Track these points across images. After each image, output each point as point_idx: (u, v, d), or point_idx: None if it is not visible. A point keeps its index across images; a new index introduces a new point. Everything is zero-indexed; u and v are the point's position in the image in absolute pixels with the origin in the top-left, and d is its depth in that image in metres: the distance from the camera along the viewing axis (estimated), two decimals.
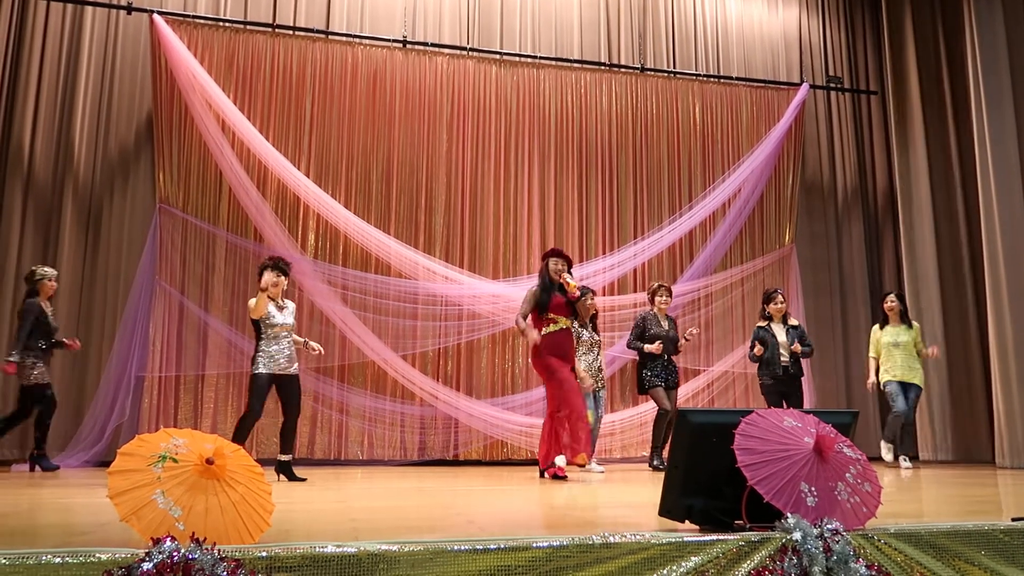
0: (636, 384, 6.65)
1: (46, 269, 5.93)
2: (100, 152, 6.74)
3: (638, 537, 2.21)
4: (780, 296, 6.59)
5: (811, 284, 8.19)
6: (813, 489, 2.40)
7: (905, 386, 6.61)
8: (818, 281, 8.26)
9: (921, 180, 7.86)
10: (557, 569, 2.10)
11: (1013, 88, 7.10)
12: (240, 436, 5.01)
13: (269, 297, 5.13)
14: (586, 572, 2.12)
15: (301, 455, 6.53)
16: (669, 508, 2.64)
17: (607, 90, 7.94)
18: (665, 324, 6.53)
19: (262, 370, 5.07)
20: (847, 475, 2.51)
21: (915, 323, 6.86)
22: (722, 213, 7.96)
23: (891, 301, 6.84)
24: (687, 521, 2.59)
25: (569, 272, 5.41)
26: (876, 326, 6.92)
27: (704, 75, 8.24)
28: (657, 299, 6.56)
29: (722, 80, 8.28)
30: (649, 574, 2.16)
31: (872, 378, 6.79)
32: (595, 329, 6.25)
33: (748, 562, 2.23)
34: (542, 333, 5.26)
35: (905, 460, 6.47)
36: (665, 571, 2.18)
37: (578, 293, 5.35)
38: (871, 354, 6.85)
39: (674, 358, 6.57)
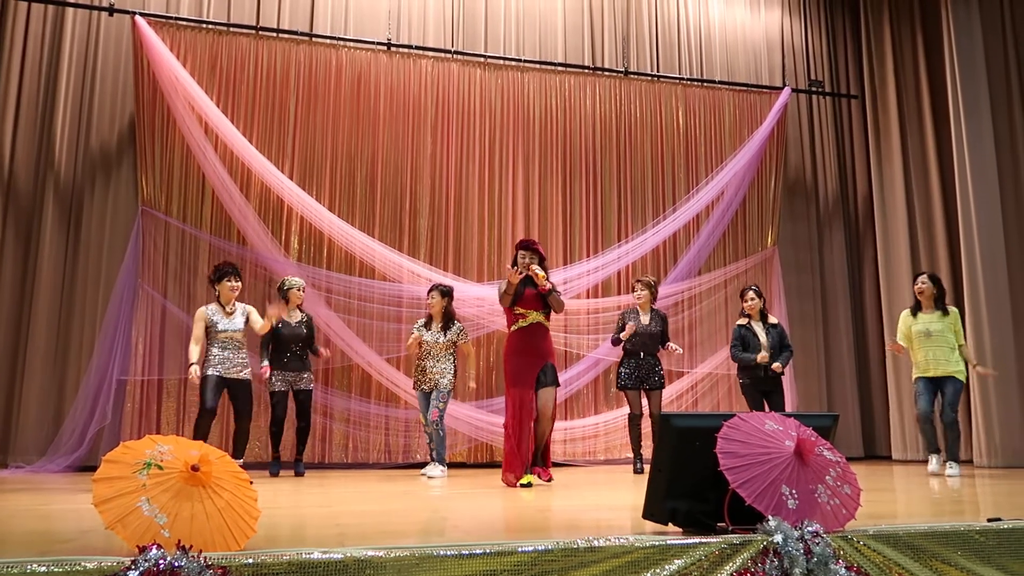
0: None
1: (294, 280, 6.15)
2: (81, 154, 6.68)
3: (622, 540, 2.24)
4: (751, 293, 6.35)
5: (793, 286, 8.26)
6: (794, 492, 2.44)
7: (937, 382, 5.86)
8: (800, 283, 8.33)
9: (896, 186, 7.96)
10: (542, 573, 2.12)
11: (990, 95, 7.21)
12: (198, 436, 5.26)
13: (220, 303, 5.57)
14: None
15: (285, 458, 6.49)
16: (653, 511, 2.67)
17: (591, 93, 7.97)
18: (646, 319, 6.27)
19: (210, 372, 5.40)
20: (827, 478, 2.55)
21: (953, 308, 6.05)
22: (705, 216, 8.01)
23: (921, 283, 6.02)
24: (670, 524, 2.62)
25: (540, 265, 5.16)
26: (907, 311, 6.14)
27: (687, 79, 8.30)
28: (633, 294, 6.41)
29: (705, 84, 8.34)
30: None
31: (892, 342, 6.16)
32: (445, 329, 6.06)
33: (730, 564, 2.27)
34: (511, 329, 5.13)
35: (952, 466, 5.67)
36: (648, 574, 2.21)
37: (548, 286, 5.08)
38: (897, 339, 6.14)
39: (660, 356, 6.31)
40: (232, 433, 5.93)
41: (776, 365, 6.13)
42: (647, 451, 5.98)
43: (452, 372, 6.04)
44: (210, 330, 5.52)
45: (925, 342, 5.92)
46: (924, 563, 2.43)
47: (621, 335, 6.20)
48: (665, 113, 8.16)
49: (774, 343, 6.25)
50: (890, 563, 2.40)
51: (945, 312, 5.98)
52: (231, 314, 5.53)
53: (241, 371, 5.52)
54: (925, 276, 6.10)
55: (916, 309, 6.08)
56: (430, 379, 5.98)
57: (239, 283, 5.58)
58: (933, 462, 5.89)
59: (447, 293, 6.17)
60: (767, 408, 6.22)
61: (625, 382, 6.21)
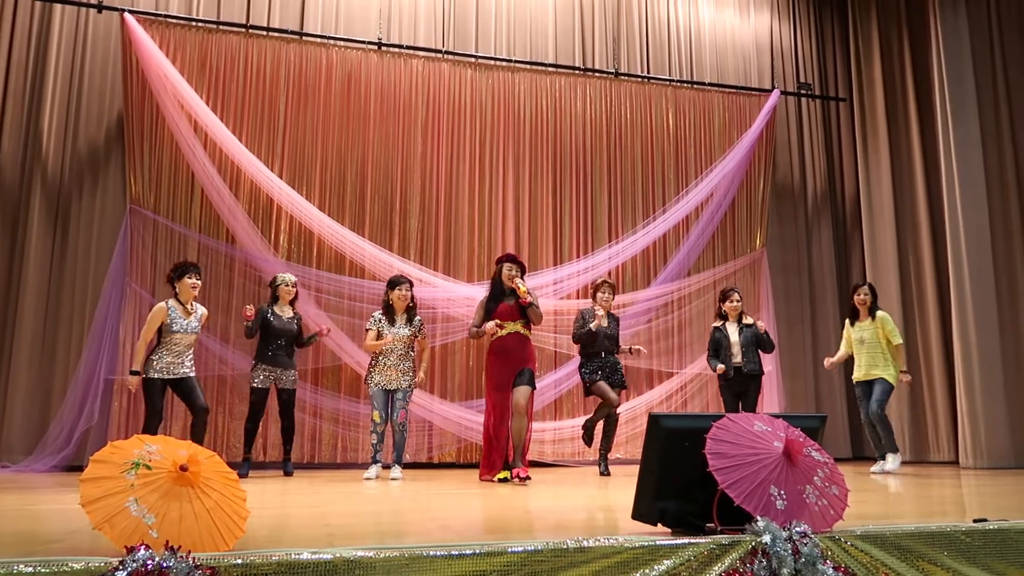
0: (583, 388, 6.27)
1: (285, 276, 6.12)
2: (69, 152, 6.63)
3: (611, 541, 2.24)
4: (736, 295, 6.43)
5: (781, 288, 8.30)
6: (782, 492, 2.45)
7: (868, 384, 6.29)
8: (788, 285, 8.37)
9: (884, 188, 8.02)
10: (532, 573, 2.13)
11: (978, 96, 7.26)
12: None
13: (179, 301, 5.39)
14: None
15: (272, 459, 6.50)
16: (642, 512, 2.67)
17: (582, 94, 7.99)
18: (605, 321, 6.12)
19: (154, 376, 5.21)
20: (815, 478, 2.56)
21: (880, 313, 6.38)
22: (695, 217, 8.04)
23: (863, 294, 6.41)
24: (659, 524, 2.63)
25: (522, 277, 5.45)
26: (847, 320, 6.57)
27: (677, 80, 8.33)
28: (599, 295, 6.21)
29: (695, 86, 8.37)
30: None
31: (831, 359, 6.54)
32: (409, 323, 5.84)
33: (719, 564, 2.28)
34: (491, 339, 5.40)
35: (892, 459, 6.08)
36: (638, 574, 2.22)
37: (529, 299, 5.34)
38: (842, 349, 6.57)
39: (620, 357, 6.22)
40: (214, 431, 5.87)
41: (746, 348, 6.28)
42: (640, 451, 5.95)
43: (412, 370, 5.82)
44: (163, 329, 5.25)
45: (860, 349, 6.37)
46: (911, 563, 2.45)
47: (591, 326, 6.01)
48: (655, 115, 8.19)
49: (747, 341, 6.32)
50: (877, 563, 2.42)
51: (874, 319, 6.36)
52: (190, 314, 5.35)
53: (182, 369, 5.26)
54: (866, 287, 6.49)
55: (854, 318, 6.49)
56: (395, 378, 5.71)
57: (200, 280, 5.49)
58: (881, 463, 6.17)
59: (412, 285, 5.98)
60: (740, 408, 6.28)
61: (595, 378, 6.04)
